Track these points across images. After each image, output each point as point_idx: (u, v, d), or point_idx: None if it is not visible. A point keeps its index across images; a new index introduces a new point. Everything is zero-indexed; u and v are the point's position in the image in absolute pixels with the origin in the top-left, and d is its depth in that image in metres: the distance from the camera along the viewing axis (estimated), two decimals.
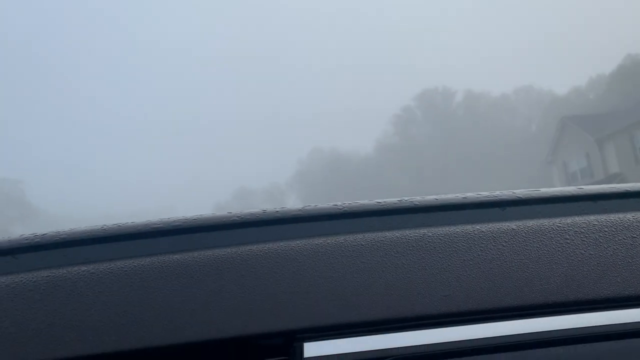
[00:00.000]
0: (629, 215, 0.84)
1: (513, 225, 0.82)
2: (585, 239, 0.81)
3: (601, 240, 0.81)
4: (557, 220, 0.83)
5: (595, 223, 0.83)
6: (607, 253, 0.79)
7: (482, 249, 0.78)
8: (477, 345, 0.71)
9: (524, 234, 0.80)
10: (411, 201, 0.87)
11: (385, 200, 0.88)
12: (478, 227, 0.81)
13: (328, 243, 0.78)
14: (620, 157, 25.83)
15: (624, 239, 0.81)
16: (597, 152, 27.30)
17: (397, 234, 0.80)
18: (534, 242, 0.80)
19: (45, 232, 0.78)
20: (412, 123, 57.06)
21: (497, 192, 0.90)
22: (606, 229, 0.82)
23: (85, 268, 0.73)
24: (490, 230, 0.81)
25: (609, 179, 24.29)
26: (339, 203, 0.87)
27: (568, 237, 0.81)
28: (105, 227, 0.79)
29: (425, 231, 0.80)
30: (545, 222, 0.82)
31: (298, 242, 0.78)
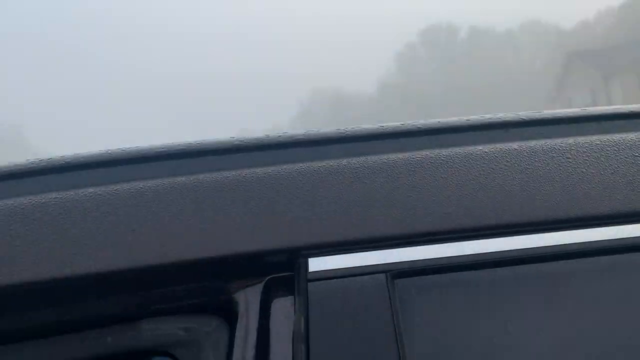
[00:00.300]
0: (632, 135, 0.85)
1: (515, 145, 0.82)
2: (587, 158, 0.81)
3: (603, 159, 0.81)
4: (560, 140, 0.83)
5: (598, 143, 0.83)
6: (608, 171, 0.80)
7: (483, 168, 0.79)
8: (476, 260, 0.73)
9: (526, 154, 0.81)
10: (414, 124, 0.87)
11: (387, 124, 0.88)
12: (480, 148, 0.81)
13: (331, 165, 0.79)
14: (626, 92, 25.49)
15: (625, 157, 0.82)
16: (603, 88, 26.95)
17: (399, 156, 0.80)
18: (535, 161, 0.80)
19: (50, 157, 0.79)
20: (415, 61, 56.10)
21: (501, 114, 0.90)
22: (608, 149, 0.83)
23: (92, 190, 0.74)
24: (492, 151, 0.81)
25: None
26: (342, 128, 0.87)
27: (570, 156, 0.81)
28: (110, 151, 0.80)
29: (428, 153, 0.81)
30: (548, 142, 0.83)
31: (301, 165, 0.79)
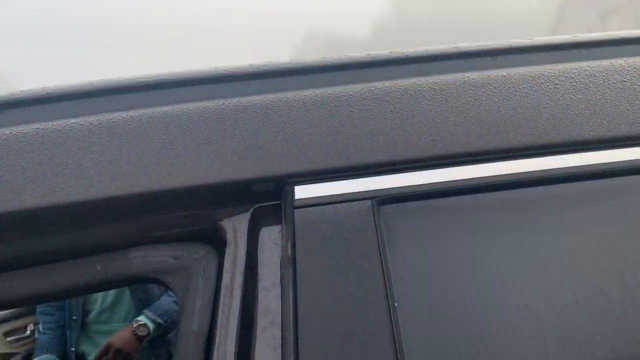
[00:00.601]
0: (621, 61, 0.84)
1: (503, 72, 0.81)
2: (574, 84, 0.81)
3: (590, 85, 0.81)
4: (548, 66, 0.82)
5: (586, 69, 0.82)
6: (595, 97, 0.80)
7: (471, 95, 0.78)
8: (461, 186, 0.74)
9: (513, 81, 0.80)
10: (402, 52, 0.85)
11: (375, 52, 0.86)
12: (469, 75, 0.80)
13: (317, 94, 0.78)
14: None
15: (613, 83, 0.81)
16: (599, 27, 26.48)
17: (386, 84, 0.79)
18: (523, 87, 0.79)
19: (30, 89, 0.78)
20: (410, 1, 54.74)
21: (490, 42, 0.88)
22: (597, 74, 0.82)
23: (75, 121, 0.73)
24: (480, 78, 0.80)
25: None
26: (329, 56, 0.86)
27: (558, 82, 0.80)
28: (92, 82, 0.78)
29: (415, 80, 0.80)
30: (536, 69, 0.82)
31: (287, 94, 0.78)
